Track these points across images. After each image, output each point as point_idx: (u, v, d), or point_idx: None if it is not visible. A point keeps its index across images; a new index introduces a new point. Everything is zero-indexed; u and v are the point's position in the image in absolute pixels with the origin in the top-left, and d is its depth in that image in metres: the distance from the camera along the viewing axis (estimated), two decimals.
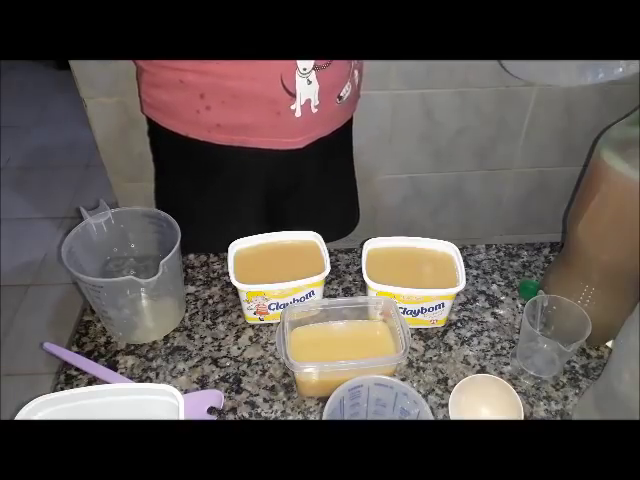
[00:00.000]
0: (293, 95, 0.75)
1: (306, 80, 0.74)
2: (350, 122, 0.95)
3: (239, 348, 0.70)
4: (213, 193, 0.87)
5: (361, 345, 0.66)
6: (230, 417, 0.63)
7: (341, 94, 0.82)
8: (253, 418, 0.63)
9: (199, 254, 0.84)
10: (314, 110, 0.79)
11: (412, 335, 0.72)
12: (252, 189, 0.89)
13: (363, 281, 0.69)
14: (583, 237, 0.65)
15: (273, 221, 0.88)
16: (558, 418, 0.63)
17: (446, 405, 0.63)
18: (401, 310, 0.68)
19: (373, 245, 0.74)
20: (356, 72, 0.85)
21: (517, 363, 0.68)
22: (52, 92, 2.75)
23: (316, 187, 0.94)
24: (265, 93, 0.75)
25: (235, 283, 0.67)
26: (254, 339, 0.72)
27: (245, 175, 0.86)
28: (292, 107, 0.76)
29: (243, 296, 0.69)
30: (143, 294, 0.68)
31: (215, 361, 0.69)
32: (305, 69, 0.73)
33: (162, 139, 0.87)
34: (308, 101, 0.77)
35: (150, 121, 0.87)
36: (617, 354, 0.56)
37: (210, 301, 0.77)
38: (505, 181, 1.38)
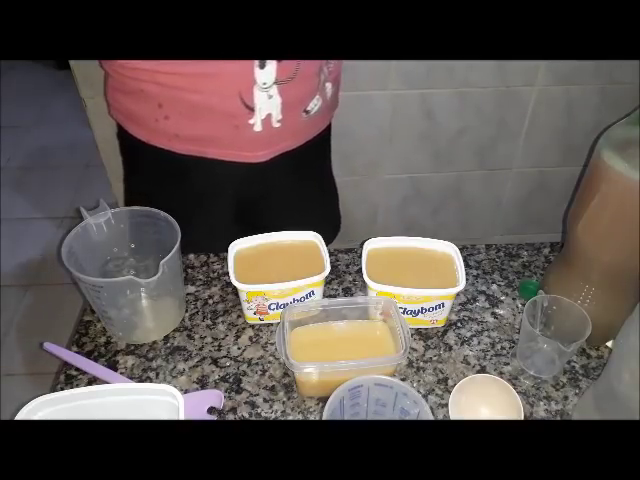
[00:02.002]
0: (252, 109, 0.74)
1: (266, 94, 0.73)
2: (327, 132, 0.93)
3: (239, 348, 0.70)
4: (179, 199, 0.85)
5: (361, 345, 0.66)
6: (230, 417, 0.63)
7: (308, 108, 0.80)
8: (253, 418, 0.63)
9: (199, 254, 0.84)
10: (276, 124, 0.77)
11: (412, 335, 0.72)
12: (218, 198, 0.87)
13: (363, 281, 0.69)
14: (583, 237, 0.65)
15: (245, 231, 0.87)
16: (558, 418, 0.63)
17: (446, 405, 0.63)
18: (401, 310, 0.68)
19: (373, 245, 0.74)
20: (328, 85, 0.83)
21: (517, 363, 0.68)
22: (52, 92, 2.75)
23: (288, 198, 0.92)
24: (222, 107, 0.74)
25: (235, 283, 0.67)
26: (254, 339, 0.72)
27: (209, 185, 0.85)
28: (251, 121, 0.75)
29: (243, 296, 0.69)
30: (143, 294, 0.68)
31: (215, 361, 0.69)
32: (265, 83, 0.72)
33: (128, 142, 0.86)
34: (269, 115, 0.75)
35: (118, 124, 0.86)
36: (617, 354, 0.56)
37: (210, 301, 0.77)
38: (505, 181, 1.38)
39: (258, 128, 0.76)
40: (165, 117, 0.76)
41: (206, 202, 0.87)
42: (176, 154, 0.80)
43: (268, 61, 0.71)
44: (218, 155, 0.80)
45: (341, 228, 1.19)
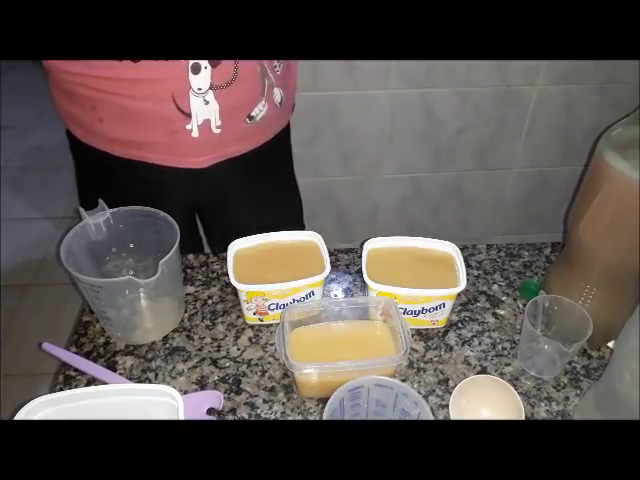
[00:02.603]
0: (188, 115, 0.72)
1: (202, 100, 0.71)
2: (283, 137, 0.91)
3: (238, 349, 0.70)
4: (125, 203, 0.80)
5: (361, 346, 0.66)
6: (230, 418, 0.63)
7: (252, 114, 0.77)
8: (253, 419, 0.63)
9: (198, 254, 0.84)
10: (216, 130, 0.75)
11: (412, 335, 0.72)
12: (163, 204, 0.83)
13: (363, 281, 0.69)
14: (584, 237, 0.65)
15: (206, 231, 0.85)
16: (559, 419, 0.63)
17: (447, 406, 0.63)
18: (401, 310, 0.68)
19: (373, 245, 0.74)
20: (276, 90, 0.80)
21: (518, 364, 0.68)
22: None
23: (240, 204, 0.90)
24: (157, 111, 0.72)
25: (235, 283, 0.67)
26: (254, 340, 0.71)
27: (153, 188, 0.81)
28: (188, 127, 0.73)
29: (243, 296, 0.69)
30: (142, 294, 0.68)
31: (214, 362, 0.69)
32: (200, 89, 0.70)
33: (73, 142, 0.84)
34: (207, 121, 0.73)
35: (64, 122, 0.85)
36: (618, 354, 0.56)
37: (209, 301, 0.76)
38: (505, 181, 1.38)
39: (195, 134, 0.74)
40: (99, 120, 0.75)
41: (152, 206, 0.81)
42: (117, 157, 0.78)
43: (202, 66, 0.69)
44: (158, 160, 0.78)
45: (341, 228, 1.19)
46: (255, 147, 0.83)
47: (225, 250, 0.73)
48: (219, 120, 0.74)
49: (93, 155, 0.80)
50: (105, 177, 0.84)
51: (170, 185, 0.83)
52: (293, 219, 1.01)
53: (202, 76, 0.70)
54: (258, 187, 0.91)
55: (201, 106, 0.71)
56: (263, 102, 0.78)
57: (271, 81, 0.78)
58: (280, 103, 0.82)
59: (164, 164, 0.78)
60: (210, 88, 0.71)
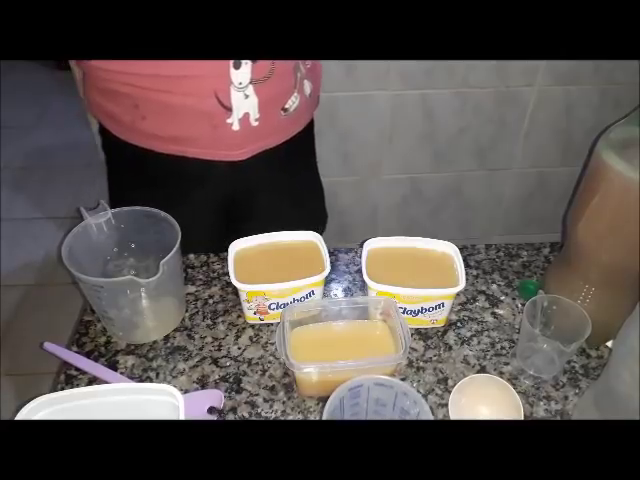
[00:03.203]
0: (229, 109, 0.74)
1: (243, 94, 0.73)
2: (309, 129, 0.93)
3: (239, 348, 0.70)
4: (162, 198, 0.83)
5: (361, 345, 0.66)
6: (230, 417, 0.63)
7: (286, 106, 0.80)
8: (253, 418, 0.63)
9: (199, 254, 0.84)
10: (254, 123, 0.77)
11: (412, 335, 0.72)
12: (200, 196, 0.87)
13: (363, 281, 0.69)
14: (583, 237, 0.65)
15: (231, 227, 0.86)
16: (558, 418, 0.63)
17: (446, 405, 0.63)
18: (401, 310, 0.68)
19: (373, 245, 0.74)
20: (306, 82, 0.83)
21: (517, 363, 0.68)
22: (52, 92, 2.75)
23: (272, 195, 0.92)
24: (199, 107, 0.74)
25: (235, 283, 0.67)
26: (254, 339, 0.72)
27: (191, 183, 0.85)
28: (229, 121, 0.75)
29: (243, 296, 0.69)
30: (143, 294, 0.68)
31: (215, 361, 0.69)
32: (241, 83, 0.72)
33: (109, 140, 0.86)
34: (247, 115, 0.76)
35: (99, 121, 0.86)
36: (617, 354, 0.56)
37: (210, 301, 0.77)
38: (505, 181, 1.38)
39: (236, 127, 0.76)
40: (142, 117, 0.76)
41: (188, 200, 0.86)
42: (157, 153, 0.80)
43: (243, 61, 0.71)
44: (198, 154, 0.80)
45: (341, 228, 1.19)
46: (287, 139, 0.86)
47: None
48: (257, 113, 0.76)
49: (131, 152, 0.82)
50: (142, 174, 0.85)
51: (208, 179, 0.85)
52: (317, 212, 1.05)
53: (243, 71, 0.72)
54: (288, 179, 0.93)
55: (241, 100, 0.74)
56: (296, 94, 0.81)
57: (302, 74, 0.81)
58: (309, 95, 0.85)
59: (204, 158, 0.80)
60: (250, 82, 0.73)
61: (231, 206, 0.92)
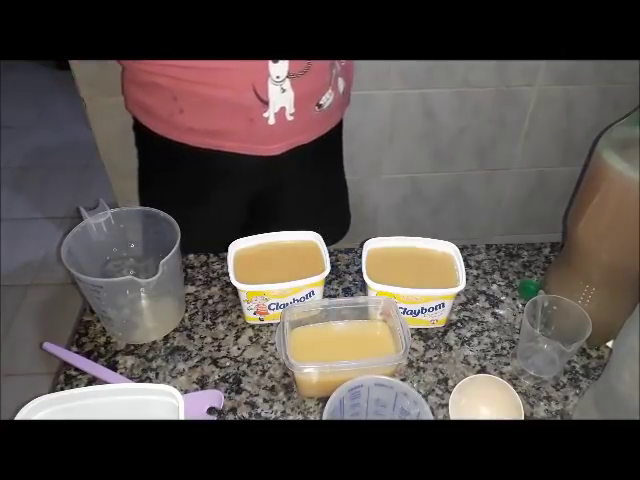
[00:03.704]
0: (266, 103, 0.74)
1: (279, 88, 0.73)
2: (339, 128, 0.94)
3: (239, 348, 0.70)
4: (193, 193, 0.87)
5: (361, 345, 0.66)
6: (230, 417, 0.63)
7: (321, 102, 0.80)
8: (253, 418, 0.63)
9: (199, 254, 0.84)
10: (290, 118, 0.78)
11: (412, 335, 0.72)
12: (232, 192, 0.88)
13: (363, 281, 0.69)
14: (583, 237, 0.65)
15: (258, 223, 0.87)
16: (558, 418, 0.63)
17: (446, 405, 0.63)
18: (401, 310, 0.68)
19: (373, 245, 0.74)
20: (340, 79, 0.84)
21: (517, 363, 0.68)
22: (52, 92, 2.75)
23: (300, 193, 0.93)
24: (237, 100, 0.74)
25: (235, 283, 0.67)
26: (254, 339, 0.72)
27: (224, 178, 0.86)
28: (265, 115, 0.76)
29: (243, 296, 0.69)
30: (143, 294, 0.68)
31: (215, 361, 0.69)
32: (278, 77, 0.72)
33: (144, 136, 0.87)
34: (282, 109, 0.76)
35: (134, 117, 0.87)
36: (617, 354, 0.56)
37: (210, 301, 0.77)
38: (505, 181, 1.38)
39: (272, 121, 0.77)
40: (180, 110, 0.77)
41: (219, 195, 0.88)
42: (192, 147, 0.81)
43: None
44: (233, 148, 0.80)
45: None
46: (319, 135, 0.86)
47: None
48: (293, 108, 0.77)
49: (165, 147, 0.83)
50: (174, 169, 0.86)
51: (241, 173, 0.86)
52: (343, 212, 1.06)
53: (281, 65, 0.72)
54: (318, 178, 0.94)
55: (278, 94, 0.74)
56: (330, 91, 0.81)
57: (337, 71, 0.82)
58: (343, 92, 0.86)
59: (239, 152, 0.81)
60: (287, 76, 0.73)
61: (258, 204, 0.93)
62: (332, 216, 1.03)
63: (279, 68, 0.72)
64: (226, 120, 0.77)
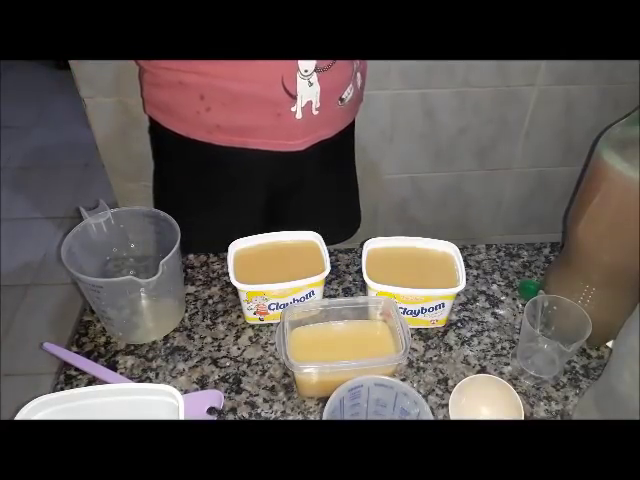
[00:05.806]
0: (294, 97, 0.75)
1: (307, 82, 0.74)
2: (352, 125, 0.95)
3: (239, 348, 0.70)
4: (213, 193, 0.87)
5: (361, 345, 0.66)
6: (230, 417, 0.63)
7: (343, 96, 0.81)
8: (253, 418, 0.63)
9: (199, 254, 0.84)
10: (315, 112, 0.78)
11: (412, 335, 0.72)
12: (253, 189, 0.88)
13: (363, 281, 0.69)
14: (583, 237, 0.65)
15: (274, 222, 0.88)
16: (558, 418, 0.63)
17: (446, 405, 0.63)
18: (401, 310, 0.68)
19: (373, 245, 0.74)
20: (358, 74, 0.85)
21: (517, 363, 0.68)
22: (52, 92, 2.75)
23: (317, 189, 0.94)
24: (265, 95, 0.75)
25: (235, 283, 0.67)
26: (254, 339, 0.72)
27: (246, 175, 0.86)
28: (292, 109, 0.76)
29: (243, 296, 0.69)
30: (143, 294, 0.68)
31: (215, 361, 0.69)
32: (307, 71, 0.73)
33: (163, 138, 0.87)
34: (309, 103, 0.77)
35: (152, 120, 0.87)
36: (617, 354, 0.56)
37: (210, 301, 0.77)
38: (505, 181, 1.38)
39: (299, 116, 0.77)
40: (207, 109, 0.77)
41: (239, 193, 0.88)
42: (214, 146, 0.81)
43: None
44: (258, 145, 0.81)
45: None
46: (340, 130, 0.87)
47: None
48: (319, 102, 0.77)
49: (188, 147, 0.83)
50: (196, 169, 0.86)
51: (265, 169, 0.86)
52: (355, 209, 1.07)
53: None
54: (332, 177, 0.95)
55: (306, 88, 0.75)
56: (351, 85, 0.82)
57: (357, 66, 0.83)
58: (360, 88, 0.87)
59: (264, 148, 0.81)
60: (315, 70, 0.74)
61: (274, 203, 0.93)
62: (346, 213, 1.04)
63: (308, 62, 0.73)
64: (254, 115, 0.77)
